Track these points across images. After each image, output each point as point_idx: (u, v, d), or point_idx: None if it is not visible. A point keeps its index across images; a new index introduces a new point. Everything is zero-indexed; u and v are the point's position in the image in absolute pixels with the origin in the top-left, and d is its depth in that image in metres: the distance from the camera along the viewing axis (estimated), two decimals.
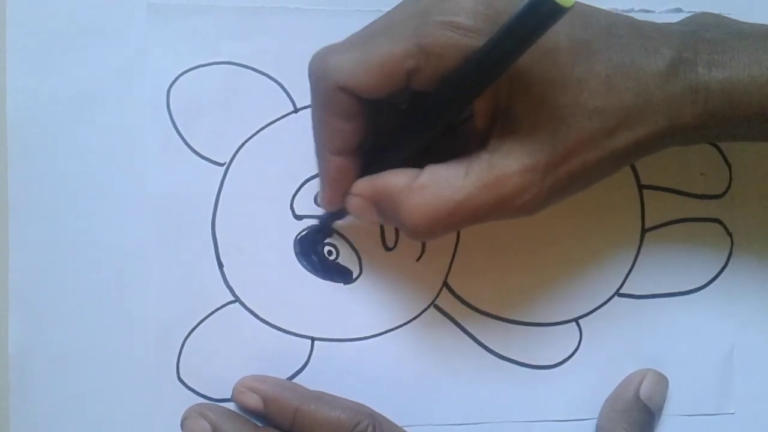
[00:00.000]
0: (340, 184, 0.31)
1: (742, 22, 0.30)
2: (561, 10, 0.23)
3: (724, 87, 0.27)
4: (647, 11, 0.35)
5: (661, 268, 0.35)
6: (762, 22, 0.30)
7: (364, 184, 0.30)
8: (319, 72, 0.29)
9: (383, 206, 0.29)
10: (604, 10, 0.29)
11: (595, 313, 0.35)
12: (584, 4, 0.28)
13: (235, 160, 0.33)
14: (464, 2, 0.26)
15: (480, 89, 0.27)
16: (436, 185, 0.28)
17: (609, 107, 0.27)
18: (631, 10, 0.35)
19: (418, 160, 0.29)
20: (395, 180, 0.29)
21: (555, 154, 0.27)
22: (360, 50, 0.28)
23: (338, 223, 0.34)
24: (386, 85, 0.28)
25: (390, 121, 0.30)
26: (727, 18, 0.31)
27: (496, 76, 0.26)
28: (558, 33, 0.24)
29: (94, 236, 0.33)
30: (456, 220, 0.28)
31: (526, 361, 0.35)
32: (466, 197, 0.27)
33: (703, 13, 0.31)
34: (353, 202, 0.31)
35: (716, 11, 0.31)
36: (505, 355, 0.34)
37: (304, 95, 0.33)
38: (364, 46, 0.28)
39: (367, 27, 0.29)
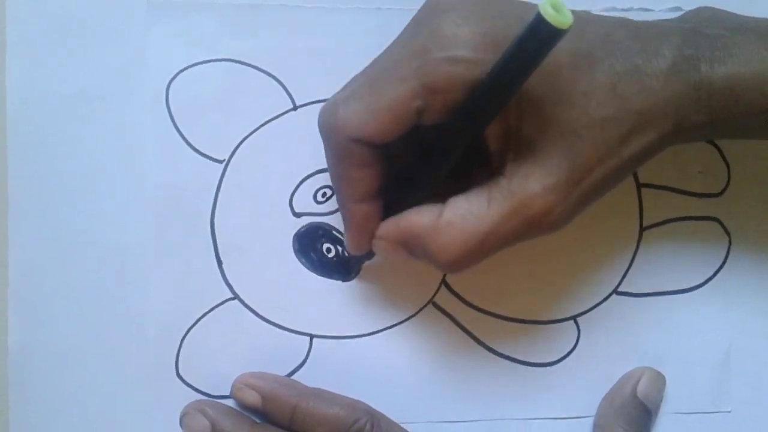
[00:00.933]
0: (366, 229, 0.30)
1: (742, 16, 0.30)
2: (559, 33, 0.23)
3: (727, 83, 0.27)
4: (646, 10, 0.35)
5: (659, 266, 0.35)
6: (761, 16, 0.30)
7: (389, 227, 0.30)
8: (329, 127, 0.28)
9: (411, 246, 0.29)
10: (600, 16, 0.29)
11: (593, 311, 0.35)
12: (580, 13, 0.28)
13: (234, 157, 0.33)
14: (462, 35, 0.26)
15: (488, 119, 0.27)
16: (462, 220, 0.28)
17: (618, 115, 0.27)
18: (630, 9, 0.35)
19: (439, 192, 0.29)
20: (420, 219, 0.29)
21: (574, 169, 0.27)
22: (367, 99, 0.27)
23: (337, 221, 0.34)
24: (397, 129, 0.28)
25: (407, 158, 0.30)
26: (726, 12, 0.30)
27: (503, 103, 0.26)
28: (558, 48, 0.24)
29: (93, 233, 0.33)
30: (487, 249, 0.28)
31: (524, 359, 0.35)
32: (492, 227, 0.27)
33: (701, 8, 0.31)
34: (380, 245, 0.30)
35: (715, 5, 0.31)
36: (503, 352, 0.35)
37: (303, 93, 0.33)
38: (370, 95, 0.27)
39: (367, 70, 0.29)
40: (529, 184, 0.27)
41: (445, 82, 0.26)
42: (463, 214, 0.28)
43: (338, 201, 0.31)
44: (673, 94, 0.27)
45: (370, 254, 0.32)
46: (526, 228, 0.28)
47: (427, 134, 0.28)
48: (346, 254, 0.33)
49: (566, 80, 0.27)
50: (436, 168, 0.29)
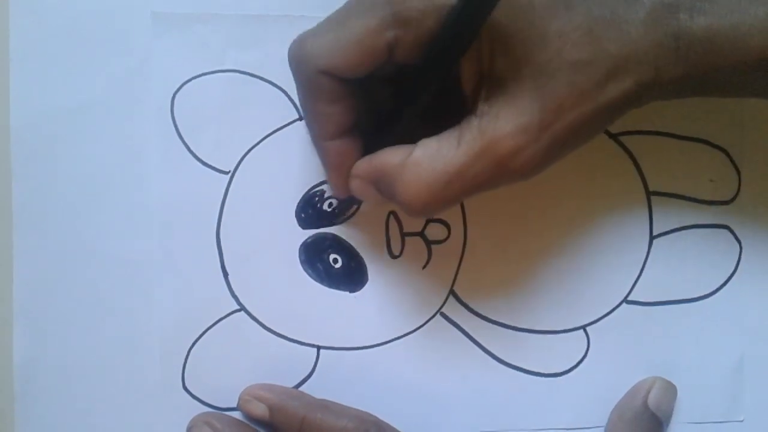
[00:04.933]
0: (342, 168, 0.30)
1: None
2: None
3: (706, 34, 0.27)
4: None
5: (670, 274, 0.35)
6: None
7: (363, 165, 0.30)
8: (297, 59, 0.28)
9: (381, 185, 0.29)
10: None
11: (602, 321, 0.35)
12: None
13: (239, 168, 0.33)
14: None
15: (461, 49, 0.26)
16: (430, 159, 0.27)
17: (594, 59, 0.27)
18: None
19: (417, 135, 0.29)
20: (390, 157, 0.29)
21: (546, 110, 0.27)
22: (336, 30, 0.27)
23: (343, 231, 0.34)
24: (367, 62, 0.27)
25: (382, 98, 0.30)
26: None
27: (474, 32, 0.26)
28: None
29: (98, 245, 0.33)
30: (453, 192, 0.28)
31: (534, 369, 0.34)
32: (460, 167, 0.27)
33: None
34: (354, 184, 0.30)
35: None
36: (512, 363, 0.34)
37: None
38: (340, 26, 0.27)
39: (340, 7, 0.28)
40: (499, 123, 0.27)
41: (416, 10, 0.26)
42: (432, 154, 0.27)
43: (312, 139, 0.31)
44: (651, 42, 0.27)
45: (354, 199, 0.32)
46: (495, 169, 0.27)
47: (401, 72, 0.28)
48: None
49: (540, 20, 0.26)
50: (409, 108, 0.28)
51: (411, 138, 0.29)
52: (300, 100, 0.30)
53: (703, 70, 0.27)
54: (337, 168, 0.30)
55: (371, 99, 0.30)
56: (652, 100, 0.29)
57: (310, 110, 0.29)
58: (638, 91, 0.27)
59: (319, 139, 0.30)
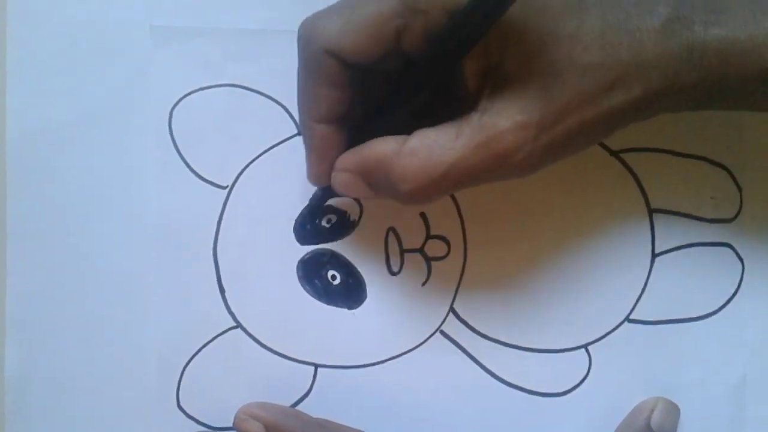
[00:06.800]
0: (325, 154, 0.30)
1: None
2: None
3: (720, 46, 0.27)
4: None
5: (672, 293, 0.35)
6: None
7: (350, 157, 0.29)
8: (306, 36, 0.28)
9: (373, 176, 0.29)
10: None
11: (604, 339, 0.34)
12: None
13: (237, 183, 0.33)
14: None
15: (468, 46, 0.26)
16: (427, 149, 0.27)
17: (603, 64, 0.27)
18: None
19: (407, 129, 0.28)
20: (383, 146, 0.28)
21: (548, 111, 0.27)
22: (348, 13, 0.28)
23: (342, 247, 0.33)
24: (375, 47, 0.27)
25: (377, 93, 0.30)
26: None
27: (483, 32, 0.26)
28: None
29: (93, 260, 0.32)
30: (451, 182, 0.27)
31: (535, 389, 0.34)
32: (459, 159, 0.27)
33: None
34: (339, 179, 0.30)
35: None
36: (513, 382, 0.34)
37: None
38: (352, 9, 0.28)
39: None
40: (500, 119, 0.27)
41: (428, 2, 0.26)
42: (430, 144, 0.27)
43: (300, 121, 0.31)
44: (664, 51, 0.27)
45: (329, 193, 0.31)
46: (492, 164, 0.27)
47: (403, 66, 0.28)
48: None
49: (553, 20, 0.27)
50: (409, 100, 0.28)
51: (401, 132, 0.28)
52: (299, 80, 0.30)
53: (715, 81, 0.27)
54: (318, 151, 0.30)
55: (367, 94, 0.29)
56: (661, 111, 0.28)
57: (307, 89, 0.29)
58: (647, 100, 0.27)
59: (307, 119, 0.30)
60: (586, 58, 0.26)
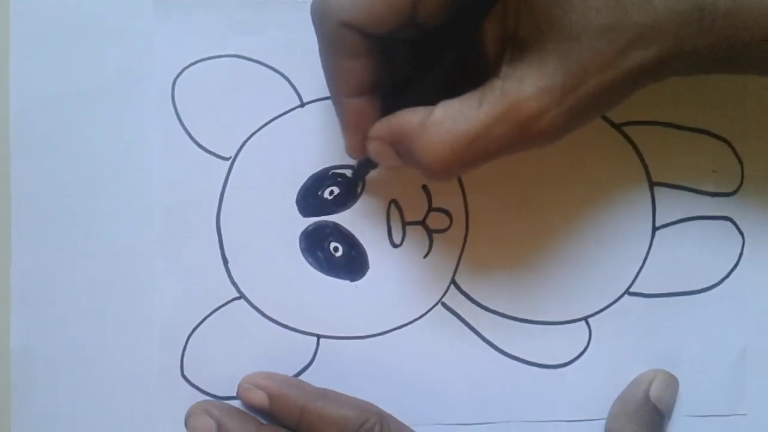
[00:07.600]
0: (359, 127, 0.30)
1: None
2: None
3: (730, 8, 0.27)
4: None
5: (672, 266, 0.35)
6: None
7: (381, 126, 0.29)
8: (321, 10, 0.28)
9: (400, 147, 0.29)
10: None
11: (604, 312, 0.34)
12: None
13: (240, 154, 0.33)
14: None
15: (484, 10, 0.26)
16: (451, 119, 0.27)
17: (618, 24, 0.27)
18: None
19: (436, 98, 0.28)
20: (409, 118, 0.28)
21: (570, 74, 0.27)
22: None
23: (344, 219, 0.33)
24: (391, 17, 0.27)
25: (404, 61, 0.30)
26: None
27: None
28: None
29: (97, 232, 0.32)
30: (474, 154, 0.27)
31: (535, 360, 0.34)
32: (482, 128, 0.27)
33: None
34: (372, 146, 0.30)
35: None
36: (514, 353, 0.34)
37: (310, 89, 0.33)
38: None
39: None
40: (523, 85, 0.27)
41: None
42: (454, 114, 0.27)
43: (331, 97, 0.30)
44: (675, 12, 0.27)
45: (371, 163, 0.32)
46: (517, 133, 0.27)
47: (424, 35, 0.28)
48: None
49: None
50: (431, 70, 0.28)
51: (430, 102, 0.28)
52: (321, 56, 0.29)
53: (725, 44, 0.27)
54: (354, 127, 0.30)
55: (391, 61, 0.29)
56: (672, 74, 0.28)
57: (330, 65, 0.29)
58: (661, 61, 0.27)
59: (338, 95, 0.30)
60: (600, 20, 0.26)
